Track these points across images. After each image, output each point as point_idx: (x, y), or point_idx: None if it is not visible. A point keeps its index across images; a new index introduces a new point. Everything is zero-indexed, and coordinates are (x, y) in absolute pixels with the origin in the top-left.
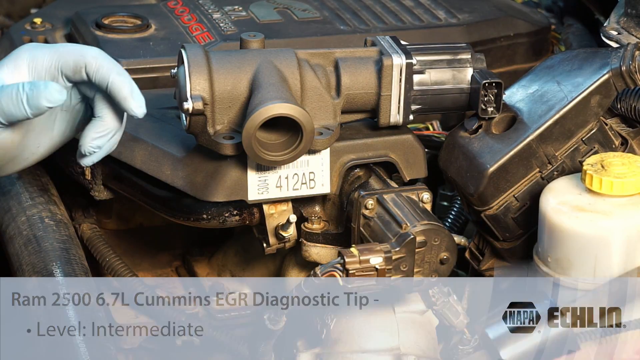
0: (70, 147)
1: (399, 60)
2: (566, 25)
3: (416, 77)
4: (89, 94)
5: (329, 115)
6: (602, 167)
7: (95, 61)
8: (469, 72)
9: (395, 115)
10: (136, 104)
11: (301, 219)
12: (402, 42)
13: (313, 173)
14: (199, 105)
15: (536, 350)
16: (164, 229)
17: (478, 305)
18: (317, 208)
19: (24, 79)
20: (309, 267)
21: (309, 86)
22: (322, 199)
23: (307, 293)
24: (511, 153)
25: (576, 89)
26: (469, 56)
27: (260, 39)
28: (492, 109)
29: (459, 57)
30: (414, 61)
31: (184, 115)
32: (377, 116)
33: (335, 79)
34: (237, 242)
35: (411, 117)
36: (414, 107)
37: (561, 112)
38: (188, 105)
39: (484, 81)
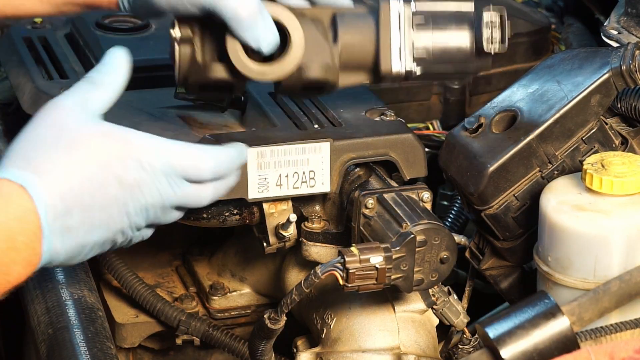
0: None
1: (396, 3)
2: (566, 25)
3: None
4: None
5: (328, 60)
6: (603, 166)
7: None
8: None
9: (397, 61)
10: None
11: (301, 219)
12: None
13: (313, 172)
14: (186, 31)
15: (536, 350)
16: (164, 229)
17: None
18: (317, 207)
19: None
20: (309, 266)
21: (306, 34)
22: (322, 198)
23: (307, 292)
24: (511, 152)
25: (576, 89)
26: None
27: None
28: (497, 44)
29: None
30: (413, 5)
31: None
32: (377, 66)
33: (332, 29)
34: (237, 241)
35: (416, 69)
36: (417, 55)
37: (561, 112)
38: (175, 31)
39: (485, 7)
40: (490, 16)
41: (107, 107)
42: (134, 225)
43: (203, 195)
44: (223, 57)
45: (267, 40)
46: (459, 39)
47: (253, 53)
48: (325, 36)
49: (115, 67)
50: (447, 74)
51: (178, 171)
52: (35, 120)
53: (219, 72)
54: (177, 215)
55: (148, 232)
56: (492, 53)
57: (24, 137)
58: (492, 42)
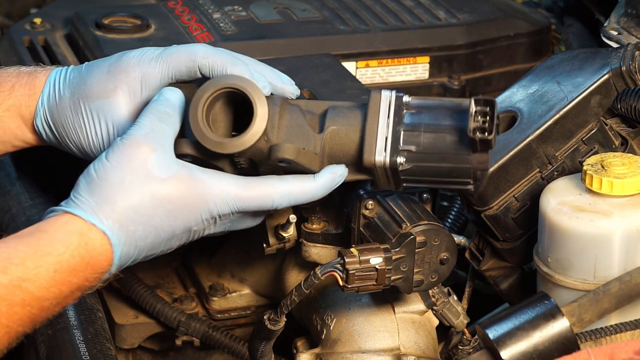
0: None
1: (387, 93)
2: (566, 25)
3: (407, 118)
4: None
5: (309, 147)
6: (602, 167)
7: (206, 60)
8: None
9: (381, 152)
10: (261, 84)
11: (301, 219)
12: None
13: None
14: None
15: (536, 351)
16: None
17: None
18: (317, 208)
19: (138, 101)
20: (309, 267)
21: (290, 119)
22: (322, 199)
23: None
24: (511, 153)
25: (576, 89)
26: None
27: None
28: (481, 133)
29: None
30: (406, 97)
31: None
32: (361, 156)
33: (322, 119)
34: (237, 242)
35: (402, 161)
36: (403, 147)
37: (561, 112)
38: None
39: (474, 97)
40: (476, 105)
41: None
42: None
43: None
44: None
45: None
46: (450, 131)
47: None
48: (312, 125)
49: (174, 102)
50: (441, 173)
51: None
52: (118, 158)
53: (184, 147)
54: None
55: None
56: (477, 141)
57: (106, 175)
58: (480, 132)
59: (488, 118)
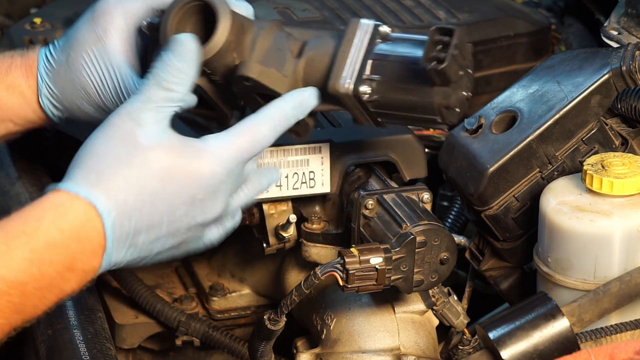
0: (70, 147)
1: (366, 22)
2: (566, 25)
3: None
4: None
5: (281, 70)
6: (603, 167)
7: None
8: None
9: (345, 79)
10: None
11: (301, 219)
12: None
13: (313, 172)
14: None
15: (536, 351)
16: None
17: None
18: (317, 208)
19: (129, 38)
20: (309, 267)
21: (272, 43)
22: (322, 199)
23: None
24: (511, 153)
25: (576, 89)
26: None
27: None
28: (435, 61)
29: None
30: (384, 27)
31: None
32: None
33: (301, 44)
34: (236, 242)
35: (367, 90)
36: (368, 76)
37: (561, 112)
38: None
39: (436, 26)
40: (435, 34)
41: (177, 109)
42: (200, 235)
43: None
44: None
45: None
46: (414, 62)
47: None
48: (293, 50)
49: (185, 63)
50: (407, 106)
51: (245, 159)
52: (105, 130)
53: None
54: (238, 218)
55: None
56: (432, 71)
57: (93, 148)
58: (435, 62)
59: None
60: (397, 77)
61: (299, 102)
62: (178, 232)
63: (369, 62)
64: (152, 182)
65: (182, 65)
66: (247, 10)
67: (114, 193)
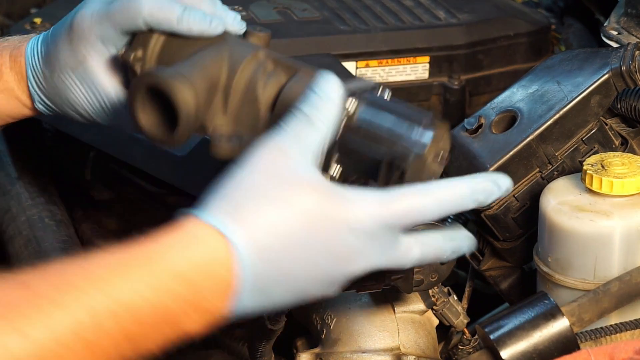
0: (71, 147)
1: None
2: (566, 25)
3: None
4: None
5: (254, 128)
6: (602, 167)
7: (152, 18)
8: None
9: None
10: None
11: None
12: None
13: None
14: None
15: (536, 351)
16: None
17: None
18: None
19: (109, 58)
20: None
21: (242, 92)
22: None
23: None
24: (511, 153)
25: (576, 89)
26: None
27: (264, 34)
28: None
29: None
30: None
31: None
32: None
33: (277, 90)
34: None
35: (332, 172)
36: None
37: (561, 112)
38: None
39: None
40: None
41: (322, 147)
42: (328, 290)
43: (410, 256)
44: None
45: None
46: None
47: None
48: (266, 101)
49: (329, 101)
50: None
51: (395, 228)
52: (251, 162)
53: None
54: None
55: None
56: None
57: (236, 178)
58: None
59: None
60: (361, 170)
61: (482, 188)
62: (308, 285)
63: (336, 155)
64: (288, 220)
65: (328, 105)
66: (233, 25)
67: (253, 228)
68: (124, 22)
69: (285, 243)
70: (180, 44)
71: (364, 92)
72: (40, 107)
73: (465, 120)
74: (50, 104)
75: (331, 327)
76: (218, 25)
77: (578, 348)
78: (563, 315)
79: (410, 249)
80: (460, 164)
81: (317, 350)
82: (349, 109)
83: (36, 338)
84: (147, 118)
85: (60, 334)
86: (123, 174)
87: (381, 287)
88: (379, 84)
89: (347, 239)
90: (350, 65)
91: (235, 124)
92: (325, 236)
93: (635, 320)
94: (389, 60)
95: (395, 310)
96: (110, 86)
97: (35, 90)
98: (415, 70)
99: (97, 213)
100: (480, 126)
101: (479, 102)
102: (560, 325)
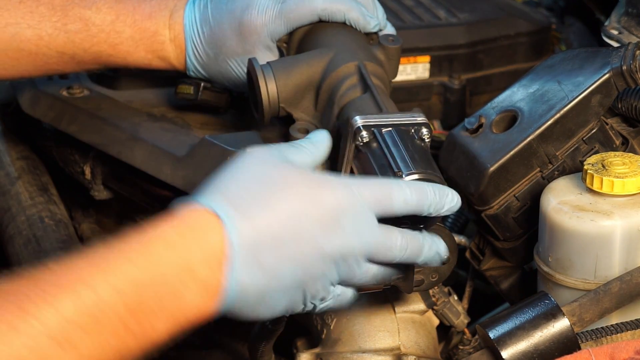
0: (70, 146)
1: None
2: (567, 25)
3: None
4: None
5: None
6: (603, 166)
7: (325, 12)
8: None
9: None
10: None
11: None
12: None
13: None
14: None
15: (537, 350)
16: None
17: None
18: None
19: (275, 53)
20: None
21: (329, 90)
22: None
23: None
24: (512, 152)
25: (577, 89)
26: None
27: (395, 46)
28: None
29: None
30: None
31: None
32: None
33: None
34: None
35: None
36: None
37: (562, 112)
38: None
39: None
40: None
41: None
42: (327, 275)
43: (393, 239)
44: None
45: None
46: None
47: None
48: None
49: (317, 141)
50: None
51: (372, 207)
52: (233, 162)
53: None
54: (366, 270)
55: (347, 293)
56: None
57: (221, 174)
58: None
59: None
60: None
61: (444, 196)
62: (305, 259)
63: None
64: (277, 199)
65: (313, 145)
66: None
67: (239, 201)
68: (297, 18)
69: (276, 213)
70: (316, 30)
71: (395, 126)
72: (192, 74)
73: (466, 119)
74: (205, 74)
75: (331, 327)
76: (376, 25)
77: (579, 348)
78: (564, 315)
79: (391, 231)
80: (460, 163)
81: (317, 350)
82: (361, 140)
83: (45, 319)
84: (252, 95)
85: (65, 312)
86: (123, 174)
87: (381, 287)
88: (419, 123)
89: (328, 208)
90: None
91: (317, 120)
92: (311, 206)
93: (636, 320)
94: None
95: (396, 310)
96: None
97: (192, 63)
98: (415, 69)
99: (97, 213)
100: (480, 126)
101: (479, 101)
102: (560, 325)
